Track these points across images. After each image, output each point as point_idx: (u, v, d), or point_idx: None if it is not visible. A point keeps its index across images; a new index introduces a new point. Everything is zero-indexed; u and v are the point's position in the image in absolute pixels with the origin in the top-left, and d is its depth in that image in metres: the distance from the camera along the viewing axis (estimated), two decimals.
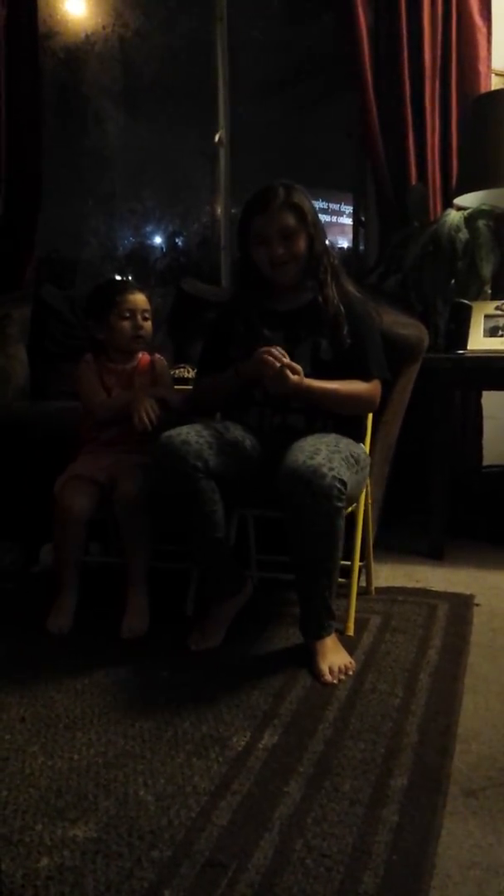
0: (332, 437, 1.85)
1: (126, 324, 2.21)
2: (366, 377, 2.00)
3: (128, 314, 2.21)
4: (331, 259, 2.05)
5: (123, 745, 1.50)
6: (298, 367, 1.84)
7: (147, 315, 2.24)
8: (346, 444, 1.86)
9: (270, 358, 1.84)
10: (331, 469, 1.69)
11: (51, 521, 2.13)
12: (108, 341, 2.25)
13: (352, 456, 1.83)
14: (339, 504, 1.70)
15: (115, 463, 2.15)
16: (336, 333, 1.98)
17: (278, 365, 1.83)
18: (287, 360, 1.84)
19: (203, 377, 2.17)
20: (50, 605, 2.12)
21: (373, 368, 2.01)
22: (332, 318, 1.99)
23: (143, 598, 2.11)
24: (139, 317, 2.22)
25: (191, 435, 1.82)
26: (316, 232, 2.01)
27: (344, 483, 1.70)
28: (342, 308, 1.99)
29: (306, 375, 1.92)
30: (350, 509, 1.94)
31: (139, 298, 2.23)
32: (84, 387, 2.25)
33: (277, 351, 1.85)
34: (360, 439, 2.08)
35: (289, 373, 1.83)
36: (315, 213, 2.02)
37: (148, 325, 2.24)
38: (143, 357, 2.32)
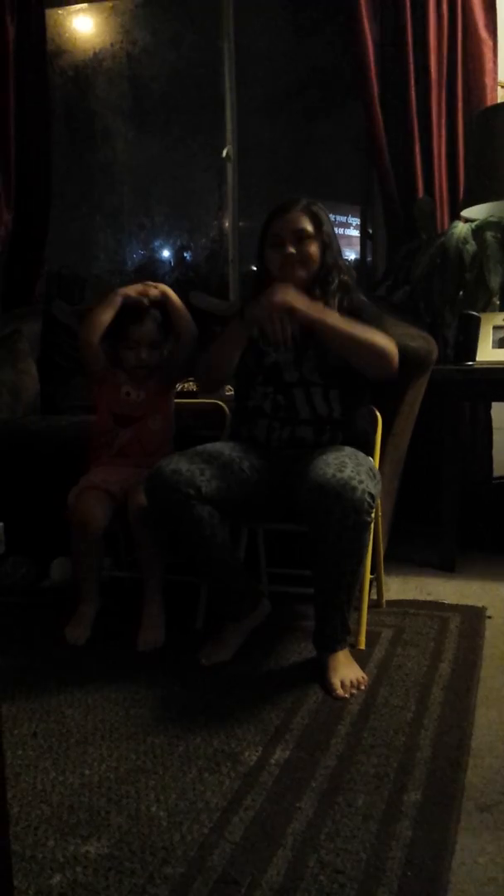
0: (349, 450, 1.86)
1: (129, 354, 2.25)
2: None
3: (133, 346, 2.24)
4: (342, 275, 2.06)
5: (135, 761, 1.50)
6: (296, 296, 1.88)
7: (156, 343, 2.26)
8: (363, 457, 1.86)
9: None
10: (360, 482, 1.69)
11: (61, 535, 2.15)
12: (113, 362, 2.29)
13: (371, 469, 1.83)
14: (368, 518, 1.70)
15: (128, 475, 2.17)
16: None
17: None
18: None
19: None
20: (67, 617, 2.14)
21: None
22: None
23: (159, 611, 2.11)
24: (143, 349, 2.24)
25: (181, 464, 1.83)
26: (329, 243, 2.04)
27: (373, 497, 1.71)
28: (347, 313, 1.99)
29: (315, 384, 1.94)
30: None
31: (144, 330, 2.24)
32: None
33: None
34: (370, 452, 2.08)
35: (286, 298, 1.87)
36: (332, 227, 2.07)
37: (156, 352, 2.27)
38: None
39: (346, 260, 2.13)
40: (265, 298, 1.90)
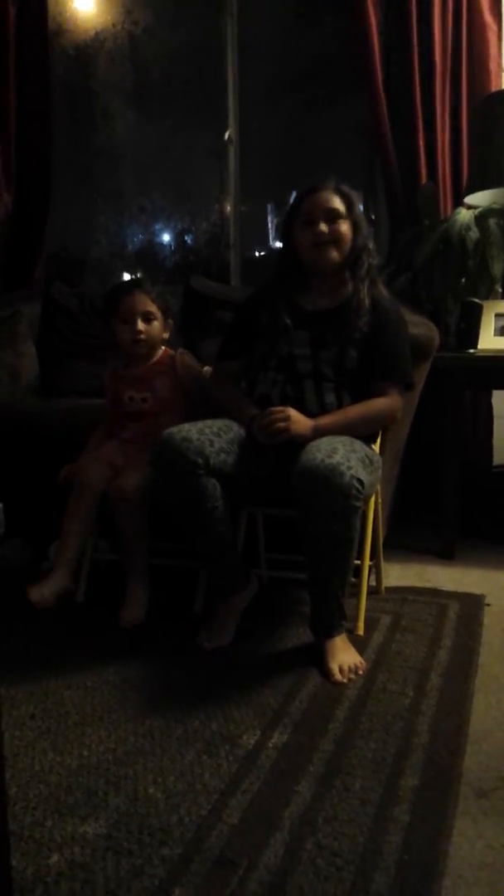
0: (346, 438, 1.85)
1: (124, 328, 2.21)
2: (386, 381, 2.00)
3: (126, 319, 2.20)
4: (371, 259, 2.06)
5: (133, 743, 1.50)
6: (294, 415, 1.87)
7: (150, 316, 2.21)
8: (360, 444, 1.86)
9: (271, 429, 1.87)
10: (349, 468, 1.69)
11: (60, 517, 2.14)
12: (117, 345, 2.26)
13: (367, 457, 1.83)
14: (357, 503, 1.70)
15: (132, 458, 2.17)
16: (360, 337, 1.98)
17: (280, 425, 1.86)
18: (283, 421, 1.86)
19: (222, 363, 2.18)
20: (64, 600, 2.11)
21: (394, 374, 2.02)
22: (356, 321, 1.98)
23: (140, 589, 2.13)
24: (138, 320, 2.19)
25: (192, 432, 1.82)
26: (360, 224, 2.04)
27: (362, 482, 1.70)
28: (368, 309, 1.99)
29: (328, 379, 1.95)
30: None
31: (136, 301, 2.19)
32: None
33: (270, 417, 1.87)
34: (372, 440, 2.07)
35: (287, 425, 1.85)
36: (360, 209, 2.06)
37: (151, 325, 2.22)
38: (164, 354, 2.30)
39: (374, 250, 2.13)
40: (272, 428, 1.87)
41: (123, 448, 2.22)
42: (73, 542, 2.13)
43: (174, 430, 1.84)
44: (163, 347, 2.30)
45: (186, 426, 1.85)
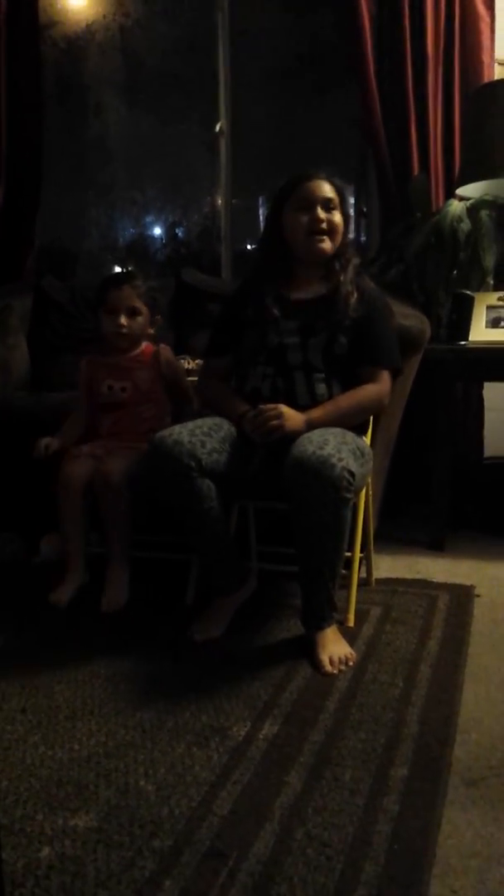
0: (338, 430, 1.85)
1: (109, 319, 2.24)
2: (375, 365, 2.00)
3: (112, 311, 2.23)
4: (350, 254, 2.07)
5: (124, 736, 1.50)
6: (287, 412, 1.86)
7: (135, 310, 2.24)
8: (352, 436, 1.86)
9: (265, 428, 1.86)
10: (340, 459, 1.69)
11: (51, 512, 2.15)
12: (101, 334, 2.29)
13: (358, 448, 1.83)
14: (348, 495, 1.70)
15: (115, 449, 2.20)
16: (350, 324, 1.98)
17: (274, 423, 1.85)
18: (276, 419, 1.85)
19: (211, 359, 2.17)
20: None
21: (383, 358, 2.02)
22: (346, 308, 1.98)
23: (122, 572, 2.15)
24: (122, 313, 2.22)
25: (183, 435, 1.82)
26: (349, 218, 2.07)
27: (352, 474, 1.70)
28: (356, 298, 2.00)
29: (318, 369, 1.95)
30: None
31: (123, 295, 2.22)
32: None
33: (264, 416, 1.86)
34: (363, 432, 2.07)
35: (281, 423, 1.85)
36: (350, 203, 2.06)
37: (134, 320, 2.24)
38: (146, 349, 2.31)
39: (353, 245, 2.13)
40: (266, 427, 1.86)
41: (104, 442, 2.24)
42: (74, 542, 2.20)
43: (165, 433, 1.83)
44: (145, 343, 2.33)
45: (177, 429, 1.85)
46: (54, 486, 2.16)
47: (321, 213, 1.98)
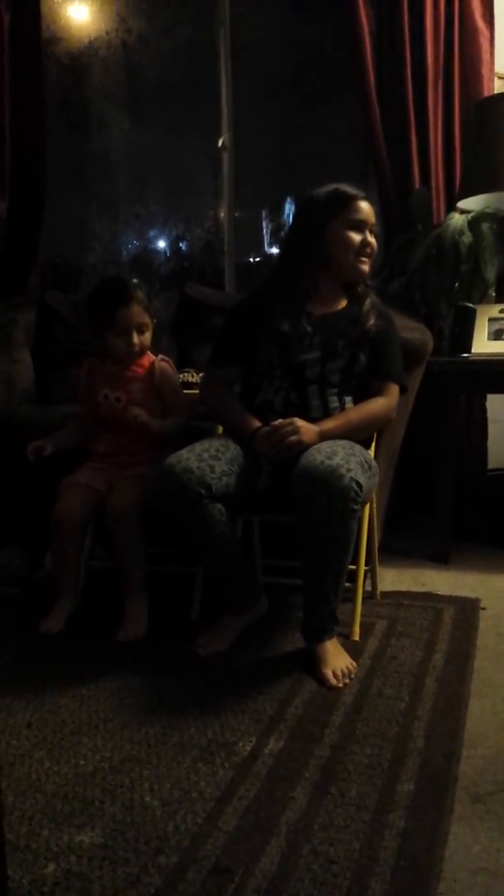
0: (346, 442, 1.85)
1: (118, 341, 2.19)
2: (385, 380, 2.03)
3: (122, 332, 2.18)
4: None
5: (129, 751, 1.50)
6: (303, 426, 1.86)
7: (144, 327, 2.21)
8: (359, 448, 1.86)
9: (283, 444, 1.86)
10: (349, 470, 1.69)
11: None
12: (105, 348, 2.25)
13: (366, 461, 1.83)
14: (355, 506, 1.70)
15: (115, 474, 2.18)
16: (370, 341, 2.02)
17: (292, 439, 1.85)
18: (292, 434, 1.85)
19: (216, 369, 2.15)
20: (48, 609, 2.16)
21: (393, 373, 2.05)
22: (371, 327, 2.01)
23: (139, 606, 2.12)
24: (133, 332, 2.19)
25: (191, 461, 1.80)
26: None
27: (360, 485, 1.70)
28: (376, 315, 2.04)
29: (333, 385, 1.97)
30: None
31: (133, 314, 2.17)
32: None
33: (281, 432, 1.86)
34: (367, 445, 2.07)
35: (299, 437, 1.85)
36: None
37: (144, 337, 2.22)
38: (144, 360, 2.28)
39: None
40: (284, 444, 1.86)
41: (102, 466, 2.23)
42: (65, 576, 2.19)
43: (173, 460, 1.81)
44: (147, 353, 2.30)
45: (184, 454, 1.82)
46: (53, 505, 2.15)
47: (372, 238, 2.03)
